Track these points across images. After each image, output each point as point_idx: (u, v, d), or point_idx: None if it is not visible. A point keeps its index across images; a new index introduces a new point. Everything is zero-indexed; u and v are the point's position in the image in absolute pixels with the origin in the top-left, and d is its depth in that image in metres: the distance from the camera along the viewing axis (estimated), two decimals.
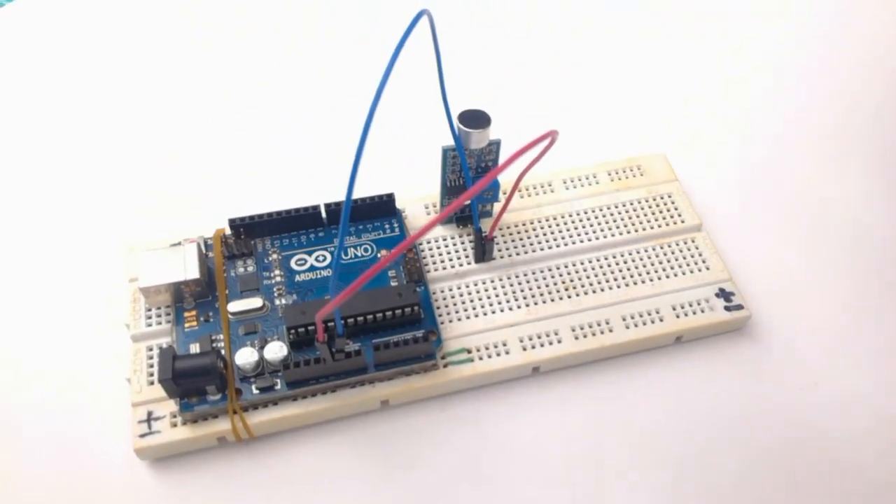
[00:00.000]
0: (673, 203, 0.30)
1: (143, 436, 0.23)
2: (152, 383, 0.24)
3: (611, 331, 0.26)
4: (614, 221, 0.29)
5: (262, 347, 0.24)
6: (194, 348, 0.25)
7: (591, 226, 0.29)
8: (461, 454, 0.25)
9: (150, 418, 0.24)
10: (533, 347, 0.26)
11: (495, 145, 0.26)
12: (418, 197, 0.29)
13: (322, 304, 0.24)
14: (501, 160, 0.26)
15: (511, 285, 0.27)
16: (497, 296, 0.27)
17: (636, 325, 0.26)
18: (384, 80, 0.18)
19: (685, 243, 0.29)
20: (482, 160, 0.26)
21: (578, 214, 0.29)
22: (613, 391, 0.26)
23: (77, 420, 0.25)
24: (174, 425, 0.24)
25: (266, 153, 0.33)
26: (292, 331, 0.24)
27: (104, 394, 0.25)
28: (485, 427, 0.25)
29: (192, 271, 0.25)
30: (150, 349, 0.25)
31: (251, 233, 0.27)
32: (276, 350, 0.24)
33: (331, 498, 0.24)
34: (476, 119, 0.25)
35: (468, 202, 0.27)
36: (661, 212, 0.29)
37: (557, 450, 0.25)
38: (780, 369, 0.26)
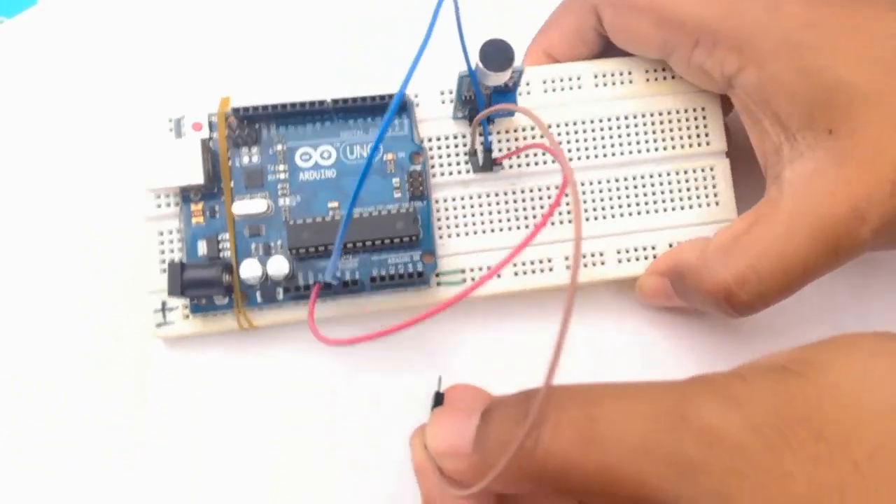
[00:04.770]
0: (704, 118, 0.28)
1: (159, 325, 0.26)
2: (164, 271, 0.26)
3: (603, 264, 0.27)
4: (636, 135, 0.27)
5: (265, 253, 0.26)
6: (202, 246, 0.26)
7: (612, 138, 0.27)
8: (463, 356, 0.27)
9: (164, 308, 0.26)
10: (525, 273, 0.27)
11: (517, 73, 0.24)
12: (433, 84, 0.27)
13: (329, 227, 0.25)
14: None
15: (514, 201, 0.27)
16: (499, 212, 0.27)
17: (629, 261, 0.27)
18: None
19: (702, 170, 0.27)
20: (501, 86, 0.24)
21: (601, 121, 0.27)
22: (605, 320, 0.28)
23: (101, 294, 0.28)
24: (186, 317, 0.26)
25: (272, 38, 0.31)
26: (293, 250, 0.25)
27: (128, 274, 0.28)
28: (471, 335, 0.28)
29: (197, 175, 0.25)
30: (161, 234, 0.26)
31: (255, 121, 0.26)
32: (280, 266, 0.25)
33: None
34: (499, 55, 0.22)
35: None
36: (687, 128, 0.28)
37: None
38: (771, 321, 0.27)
